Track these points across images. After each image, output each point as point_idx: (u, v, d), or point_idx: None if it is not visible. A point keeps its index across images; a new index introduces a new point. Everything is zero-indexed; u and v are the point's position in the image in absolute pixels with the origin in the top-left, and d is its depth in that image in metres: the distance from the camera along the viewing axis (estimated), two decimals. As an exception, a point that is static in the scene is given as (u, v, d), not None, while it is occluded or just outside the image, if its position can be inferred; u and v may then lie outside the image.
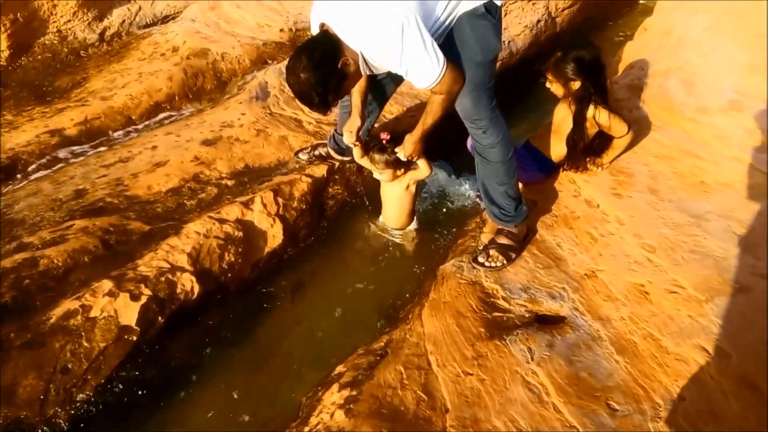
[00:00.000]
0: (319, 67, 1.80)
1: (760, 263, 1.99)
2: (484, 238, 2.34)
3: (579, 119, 2.38)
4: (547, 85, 2.45)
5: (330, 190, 2.89)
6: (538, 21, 4.62)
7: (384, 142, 2.41)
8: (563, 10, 4.92)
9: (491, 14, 1.96)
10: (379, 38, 1.77)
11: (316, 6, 1.93)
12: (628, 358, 1.79)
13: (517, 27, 4.41)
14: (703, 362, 1.71)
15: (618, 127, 2.40)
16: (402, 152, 2.27)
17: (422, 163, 2.40)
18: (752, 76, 2.91)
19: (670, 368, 1.73)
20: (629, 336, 1.86)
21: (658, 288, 1.99)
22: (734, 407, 1.57)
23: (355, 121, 2.36)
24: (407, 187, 2.53)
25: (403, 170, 2.46)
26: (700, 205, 2.29)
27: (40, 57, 4.03)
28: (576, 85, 2.36)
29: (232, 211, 2.52)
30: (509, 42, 4.25)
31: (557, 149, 2.56)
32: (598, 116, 2.37)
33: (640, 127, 2.79)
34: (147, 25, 4.56)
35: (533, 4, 4.66)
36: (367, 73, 2.01)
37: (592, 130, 2.42)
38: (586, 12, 5.16)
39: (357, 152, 2.48)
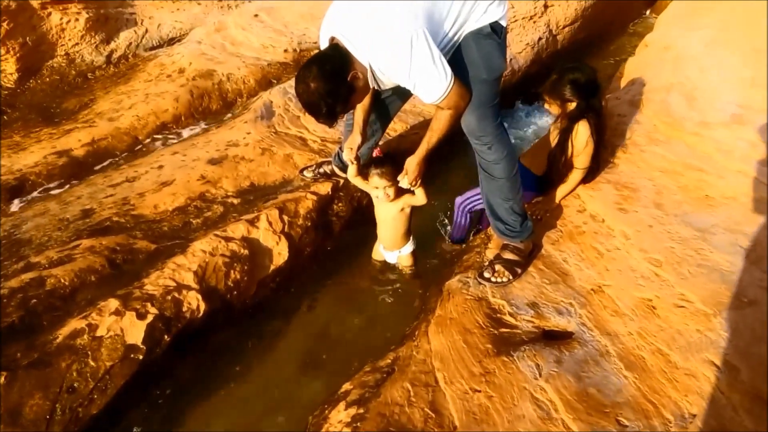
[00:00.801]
0: (329, 78, 1.81)
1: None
2: (490, 254, 2.34)
3: (566, 136, 2.42)
4: (546, 106, 2.50)
5: (335, 207, 2.90)
6: (540, 39, 4.67)
7: (375, 155, 2.42)
8: (564, 27, 4.98)
9: (497, 34, 2.00)
10: (389, 52, 1.80)
11: (326, 20, 1.96)
12: (637, 374, 1.77)
13: (519, 45, 4.47)
14: (713, 377, 1.70)
15: (583, 159, 2.44)
16: (404, 179, 2.22)
17: (419, 192, 2.35)
18: (753, 89, 2.93)
19: (679, 383, 1.71)
20: (638, 351, 1.84)
21: (666, 302, 1.97)
22: (745, 423, 1.55)
23: (355, 138, 2.38)
24: (402, 209, 2.49)
25: (394, 192, 2.41)
26: (705, 219, 2.29)
27: (48, 79, 4.10)
28: (572, 106, 2.40)
29: (237, 229, 2.53)
30: (511, 60, 4.29)
31: (537, 162, 2.61)
32: (575, 136, 2.41)
33: (644, 141, 2.80)
34: (153, 48, 4.64)
35: (534, 22, 4.73)
36: (375, 87, 2.03)
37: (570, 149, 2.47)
38: (586, 29, 5.23)
39: (351, 170, 2.47)
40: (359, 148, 2.40)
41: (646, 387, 1.72)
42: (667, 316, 1.93)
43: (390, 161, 2.38)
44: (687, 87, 3.11)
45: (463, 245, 2.73)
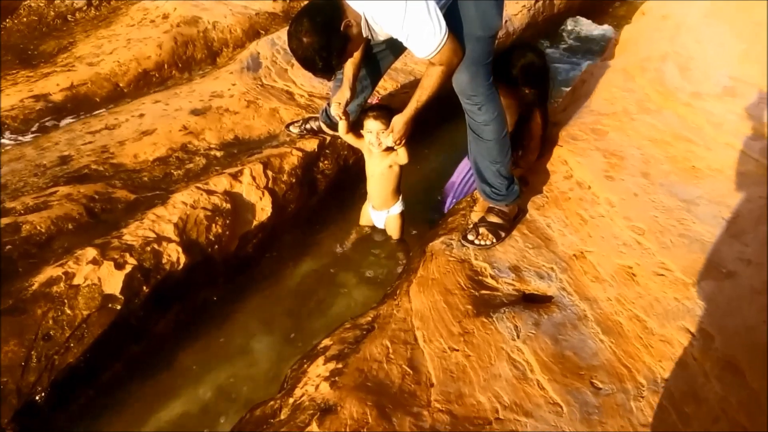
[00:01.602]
0: (323, 30, 1.75)
1: (748, 249, 2.00)
2: (475, 217, 2.33)
3: (527, 122, 2.41)
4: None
5: (320, 165, 2.86)
6: (537, 1, 4.56)
7: (374, 102, 2.37)
8: (562, -9, 4.87)
9: None
10: (384, 1, 1.74)
11: None
12: (613, 339, 1.79)
13: (515, 6, 4.37)
14: (687, 344, 1.72)
15: (538, 144, 2.48)
16: (389, 137, 2.18)
17: (402, 152, 2.31)
18: (748, 63, 2.91)
19: (654, 349, 1.74)
20: (615, 317, 1.86)
21: (646, 270, 1.99)
22: (716, 389, 1.58)
23: (344, 93, 2.31)
24: (390, 165, 2.45)
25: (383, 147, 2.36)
26: (690, 190, 2.29)
27: (25, 20, 3.93)
28: (523, 92, 2.37)
29: (220, 183, 2.49)
30: (506, 21, 4.20)
31: None
32: (533, 123, 2.41)
33: (635, 110, 2.78)
34: (137, -9, 4.44)
35: (533, -17, 4.61)
36: (368, 37, 1.97)
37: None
38: (584, -6, 5.13)
39: (342, 126, 2.41)
40: (348, 103, 2.34)
41: (622, 351, 1.75)
42: (647, 283, 1.94)
43: (386, 108, 2.34)
44: (682, 57, 3.07)
45: None
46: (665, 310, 1.83)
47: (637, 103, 2.83)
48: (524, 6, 4.41)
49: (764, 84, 2.75)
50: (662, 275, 1.95)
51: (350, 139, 2.45)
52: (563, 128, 2.70)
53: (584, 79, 3.12)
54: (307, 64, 1.83)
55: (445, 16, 1.82)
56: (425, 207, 2.89)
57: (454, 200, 2.71)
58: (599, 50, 4.58)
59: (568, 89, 3.48)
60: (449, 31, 1.80)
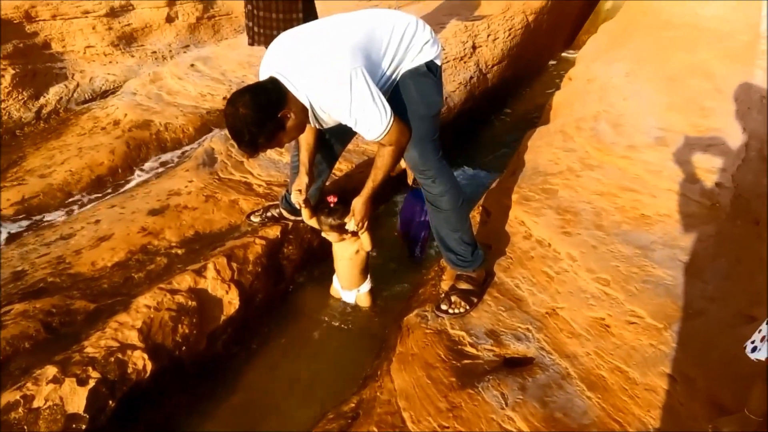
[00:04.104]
0: (260, 109, 1.79)
1: (709, 287, 2.08)
2: (445, 286, 2.34)
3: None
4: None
5: (285, 250, 2.84)
6: (471, 77, 4.87)
7: (331, 205, 2.40)
8: (492, 66, 5.23)
9: (432, 72, 2.08)
10: (329, 90, 1.82)
11: (265, 59, 1.96)
12: (600, 394, 1.79)
13: (453, 84, 4.63)
14: (671, 389, 1.74)
15: None
16: (351, 222, 2.21)
17: (365, 238, 2.35)
18: (672, 113, 3.16)
19: (640, 399, 1.74)
20: (597, 371, 1.87)
21: (618, 320, 2.03)
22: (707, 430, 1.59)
23: (302, 180, 2.35)
24: (357, 251, 2.48)
25: (350, 234, 2.40)
26: (644, 237, 2.39)
27: (-29, 139, 3.87)
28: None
29: (183, 281, 2.43)
30: (447, 98, 4.44)
31: None
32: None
33: (579, 167, 2.93)
34: (86, 101, 4.51)
35: (465, 62, 4.94)
36: (316, 126, 2.04)
37: None
38: (513, 67, 5.51)
39: (305, 213, 2.45)
40: (307, 189, 2.38)
41: (610, 406, 1.74)
42: (621, 333, 1.98)
43: (342, 210, 2.34)
44: (612, 114, 3.30)
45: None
46: (644, 358, 1.85)
47: (579, 161, 2.99)
48: (460, 83, 4.69)
49: (689, 131, 2.98)
50: (634, 323, 1.99)
51: (315, 224, 2.47)
52: (515, 191, 2.81)
53: (527, 144, 3.29)
54: (235, 133, 1.83)
55: (389, 99, 1.92)
56: (392, 272, 2.93)
57: (423, 236, 2.83)
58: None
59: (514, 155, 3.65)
60: (395, 114, 1.89)
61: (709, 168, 2.71)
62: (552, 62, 6.43)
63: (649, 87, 3.51)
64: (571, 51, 6.67)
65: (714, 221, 2.42)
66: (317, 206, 2.49)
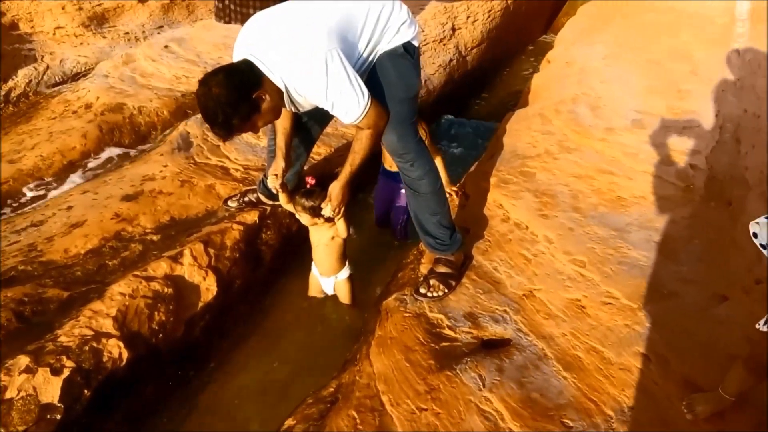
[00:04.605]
0: (234, 88, 1.74)
1: (683, 268, 2.12)
2: (423, 269, 2.35)
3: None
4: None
5: (263, 236, 2.81)
6: (450, 60, 4.84)
7: (308, 185, 2.37)
8: (472, 49, 5.20)
9: (410, 54, 2.05)
10: (304, 73, 1.79)
11: (238, 42, 1.91)
12: (575, 374, 1.82)
13: (432, 66, 4.60)
14: (645, 369, 1.77)
15: None
16: (327, 207, 2.17)
17: (341, 225, 2.32)
18: (650, 96, 3.17)
19: (615, 379, 1.77)
20: (573, 351, 1.90)
21: (594, 301, 2.05)
22: (681, 410, 1.61)
23: (279, 164, 2.32)
24: (332, 237, 2.45)
25: (323, 218, 2.35)
26: (620, 219, 2.42)
27: (-65, 124, 3.73)
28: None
29: (159, 267, 2.39)
30: (426, 80, 4.41)
31: None
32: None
33: (557, 150, 2.94)
34: (56, 84, 4.36)
35: (444, 44, 4.90)
36: (292, 110, 2.00)
37: None
38: (492, 50, 5.49)
39: (282, 198, 2.41)
40: (284, 173, 2.35)
41: (585, 386, 1.77)
42: (597, 314, 2.00)
43: (318, 193, 2.31)
44: (591, 97, 3.31)
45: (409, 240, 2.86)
46: (619, 339, 1.88)
47: (557, 144, 3.00)
48: (440, 65, 4.66)
49: (666, 114, 3.00)
50: (610, 304, 2.02)
51: (292, 209, 2.44)
52: (493, 174, 2.82)
53: (505, 127, 3.29)
54: (208, 114, 1.78)
55: (367, 82, 1.89)
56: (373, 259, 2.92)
57: (402, 220, 2.89)
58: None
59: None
60: (372, 96, 1.87)
61: (684, 150, 2.74)
62: (530, 47, 6.40)
63: (629, 70, 3.52)
64: (550, 35, 6.65)
65: (689, 203, 2.46)
66: (295, 190, 2.46)
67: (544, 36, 6.69)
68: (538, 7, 6.47)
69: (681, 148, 2.76)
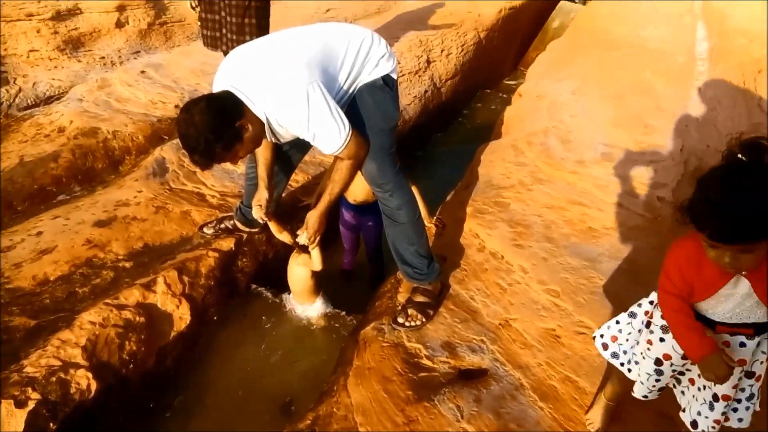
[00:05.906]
0: (217, 115, 1.74)
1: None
2: (401, 298, 2.35)
3: None
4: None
5: (239, 263, 2.79)
6: (426, 91, 4.95)
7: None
8: (446, 81, 5.33)
9: (389, 86, 2.10)
10: (286, 105, 1.81)
11: (219, 74, 1.93)
12: (551, 404, 1.83)
13: (408, 97, 4.69)
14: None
15: None
16: (303, 234, 2.17)
17: (315, 255, 2.31)
18: (617, 130, 3.30)
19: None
20: (549, 381, 1.92)
21: (568, 330, 2.09)
22: (652, 438, 1.65)
23: (262, 194, 2.33)
24: (305, 269, 2.46)
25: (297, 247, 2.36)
26: (592, 249, 2.48)
27: None
28: None
29: (131, 295, 2.34)
30: (402, 111, 4.49)
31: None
32: None
33: (530, 181, 3.02)
34: (28, 107, 4.29)
35: (419, 76, 5.01)
36: (273, 141, 2.02)
37: None
38: (465, 82, 5.63)
39: (273, 227, 2.42)
40: (268, 204, 2.35)
41: (561, 416, 1.79)
42: (571, 343, 2.04)
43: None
44: (562, 130, 3.42)
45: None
46: (592, 368, 1.92)
47: (530, 175, 3.08)
48: (415, 96, 4.76)
49: (633, 147, 3.12)
50: (583, 333, 2.06)
51: (285, 238, 2.44)
52: (469, 204, 2.87)
53: (480, 158, 3.37)
54: (189, 141, 1.76)
55: (347, 113, 1.93)
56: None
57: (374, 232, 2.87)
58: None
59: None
60: (353, 127, 1.90)
61: (651, 183, 2.84)
62: (507, 81, 6.56)
63: (596, 104, 3.65)
64: (521, 68, 6.83)
65: (656, 234, 2.54)
66: (277, 217, 2.47)
67: (507, 79, 6.80)
68: (509, 41, 6.68)
69: (648, 180, 2.86)
